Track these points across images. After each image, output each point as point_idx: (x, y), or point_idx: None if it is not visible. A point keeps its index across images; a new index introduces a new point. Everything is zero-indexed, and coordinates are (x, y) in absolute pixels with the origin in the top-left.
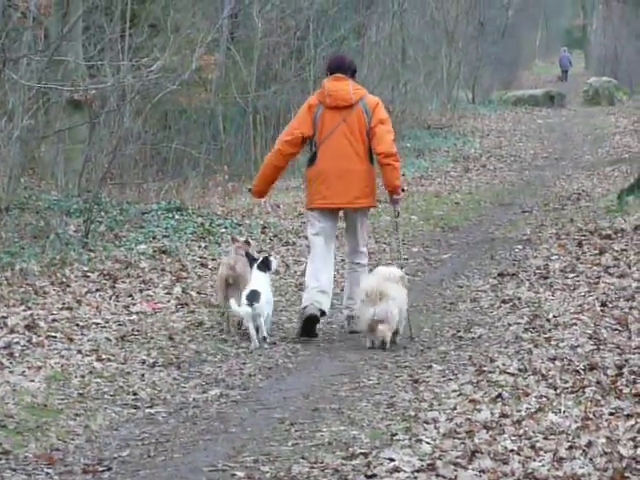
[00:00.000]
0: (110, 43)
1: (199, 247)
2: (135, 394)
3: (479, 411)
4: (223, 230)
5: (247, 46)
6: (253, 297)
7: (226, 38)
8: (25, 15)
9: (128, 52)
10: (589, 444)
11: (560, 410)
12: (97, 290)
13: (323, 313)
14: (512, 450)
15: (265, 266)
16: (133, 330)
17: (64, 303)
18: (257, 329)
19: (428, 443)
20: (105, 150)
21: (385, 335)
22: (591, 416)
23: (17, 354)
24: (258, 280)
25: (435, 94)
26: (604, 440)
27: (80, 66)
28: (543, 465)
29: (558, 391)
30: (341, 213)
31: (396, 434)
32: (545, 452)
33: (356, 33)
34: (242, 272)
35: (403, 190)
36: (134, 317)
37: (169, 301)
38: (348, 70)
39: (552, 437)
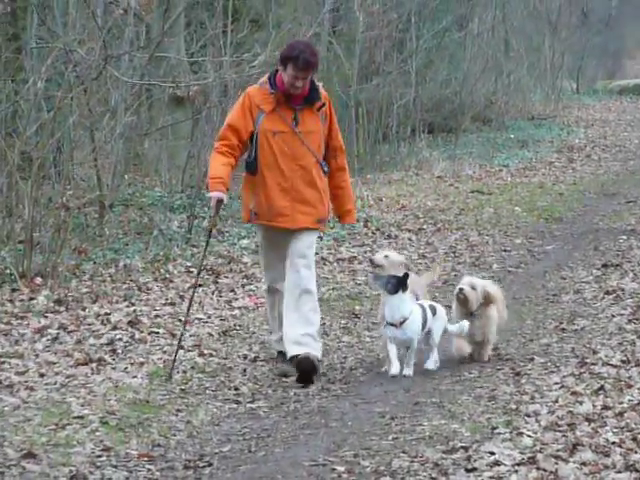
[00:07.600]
0: (212, 39)
1: None
2: (237, 389)
3: (581, 403)
4: None
5: (349, 39)
6: None
7: (327, 32)
8: (126, 12)
9: (230, 47)
10: None
11: None
12: (200, 285)
13: None
14: (614, 442)
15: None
16: (235, 325)
17: (167, 299)
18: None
19: (529, 436)
20: (207, 146)
21: None
22: None
23: (120, 350)
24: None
25: (538, 85)
26: None
27: (182, 62)
28: None
29: None
30: None
31: (497, 427)
32: None
33: (458, 25)
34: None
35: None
36: (236, 312)
37: None
38: None
39: None
